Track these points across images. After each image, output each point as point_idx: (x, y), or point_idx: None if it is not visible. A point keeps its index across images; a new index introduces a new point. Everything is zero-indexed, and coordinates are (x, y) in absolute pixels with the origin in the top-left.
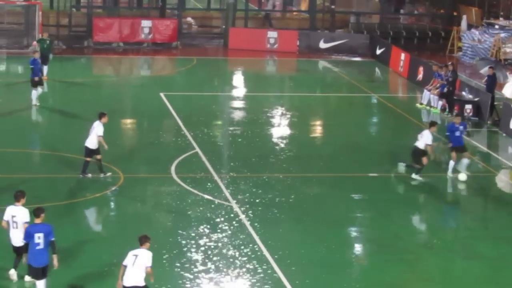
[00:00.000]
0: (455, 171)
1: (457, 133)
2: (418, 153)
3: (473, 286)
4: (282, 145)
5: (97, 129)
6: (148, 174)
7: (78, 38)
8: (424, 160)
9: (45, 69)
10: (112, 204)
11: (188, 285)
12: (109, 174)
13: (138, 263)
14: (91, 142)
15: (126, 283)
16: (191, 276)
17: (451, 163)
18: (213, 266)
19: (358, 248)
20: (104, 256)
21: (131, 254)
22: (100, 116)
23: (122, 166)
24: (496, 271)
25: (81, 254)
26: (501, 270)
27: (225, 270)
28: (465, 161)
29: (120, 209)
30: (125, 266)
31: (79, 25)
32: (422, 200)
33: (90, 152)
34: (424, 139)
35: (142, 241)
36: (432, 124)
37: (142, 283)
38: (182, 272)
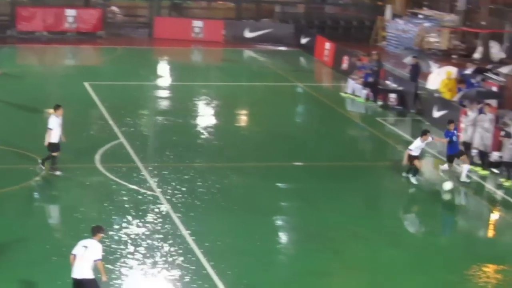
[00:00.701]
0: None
1: (454, 138)
2: (411, 158)
3: (399, 274)
4: (208, 135)
5: (49, 121)
6: (72, 165)
7: (1, 27)
8: (416, 162)
9: None
10: (36, 195)
11: (113, 276)
12: (43, 169)
13: (87, 254)
14: (52, 136)
15: (74, 275)
16: (116, 267)
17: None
18: (138, 257)
19: (284, 237)
20: (27, 249)
21: (80, 245)
22: (55, 108)
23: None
24: (421, 259)
25: (3, 248)
26: (425, 257)
27: (150, 260)
28: (465, 166)
29: (43, 200)
30: (75, 255)
31: (2, 14)
32: (348, 189)
33: (53, 146)
34: (412, 145)
35: (94, 231)
36: (423, 132)
37: (91, 276)
38: (105, 263)
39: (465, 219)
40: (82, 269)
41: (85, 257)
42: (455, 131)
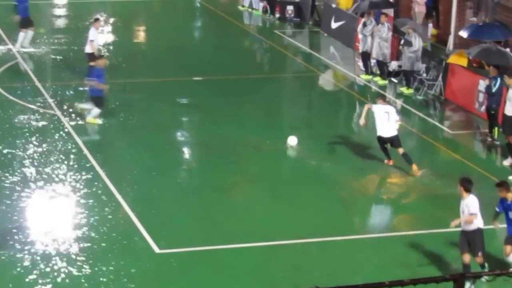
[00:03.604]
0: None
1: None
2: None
3: (299, 186)
4: (106, 51)
5: (89, 34)
6: None
7: None
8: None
9: None
10: None
11: (17, 195)
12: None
13: (391, 118)
14: (87, 47)
15: (383, 134)
16: (19, 186)
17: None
18: (41, 175)
19: (186, 151)
20: None
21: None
22: (94, 21)
23: None
24: (320, 169)
25: None
26: (324, 168)
27: (53, 178)
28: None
29: None
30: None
31: None
32: (248, 102)
33: (90, 57)
34: None
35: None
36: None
37: (395, 133)
38: (12, 185)
39: (365, 129)
40: (388, 129)
41: (390, 120)
42: None
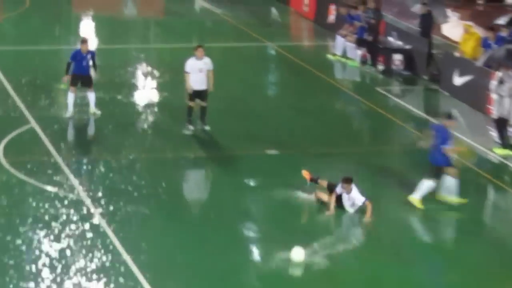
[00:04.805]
0: None
1: None
2: None
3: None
4: (148, 115)
5: (186, 64)
6: None
7: None
8: None
9: None
10: None
11: None
12: (207, 128)
13: None
14: (190, 81)
15: None
16: None
17: None
18: (62, 279)
19: (254, 250)
20: None
21: None
22: (195, 49)
23: None
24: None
25: None
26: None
27: (77, 282)
28: None
29: None
30: None
31: None
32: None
33: (191, 94)
34: None
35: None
36: None
37: None
38: (26, 284)
39: (501, 225)
40: None
41: None
42: None
